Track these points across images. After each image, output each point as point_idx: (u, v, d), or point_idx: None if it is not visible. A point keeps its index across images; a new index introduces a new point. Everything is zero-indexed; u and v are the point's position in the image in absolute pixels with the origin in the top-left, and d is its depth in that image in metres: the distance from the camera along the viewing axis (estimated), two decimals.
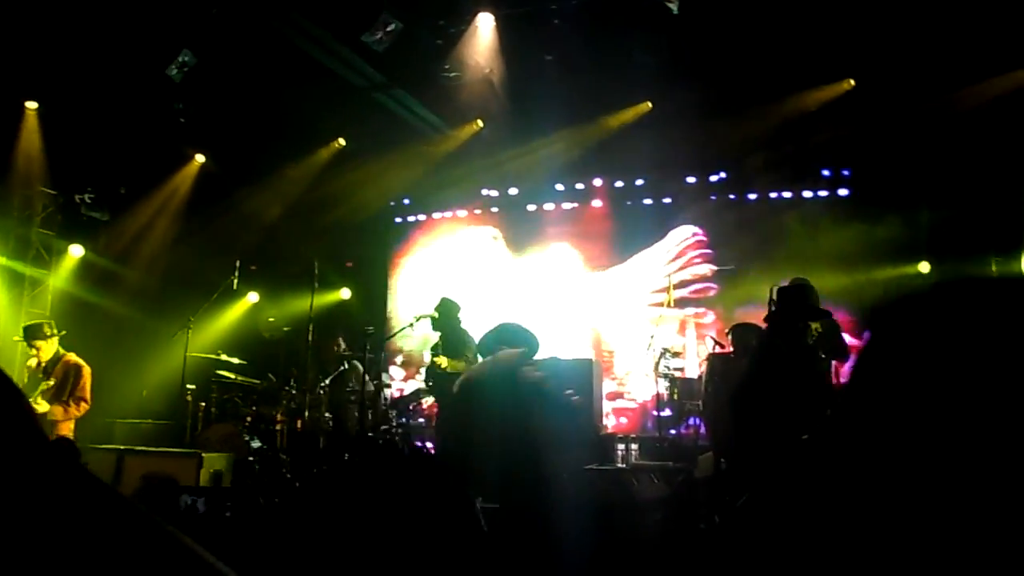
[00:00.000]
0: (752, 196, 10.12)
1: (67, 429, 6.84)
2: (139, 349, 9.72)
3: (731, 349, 7.77)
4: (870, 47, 8.38)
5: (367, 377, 9.33)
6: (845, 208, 9.49)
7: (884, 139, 9.02)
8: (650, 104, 10.05)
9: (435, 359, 8.09)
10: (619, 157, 10.30)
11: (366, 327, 9.20)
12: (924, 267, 8.89)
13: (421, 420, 9.77)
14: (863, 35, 8.27)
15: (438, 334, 8.23)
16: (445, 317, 8.26)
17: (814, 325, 6.60)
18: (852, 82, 9.34)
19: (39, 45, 7.99)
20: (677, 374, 8.09)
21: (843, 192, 9.78)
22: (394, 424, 8.81)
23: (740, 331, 7.89)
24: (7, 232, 9.27)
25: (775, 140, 9.48)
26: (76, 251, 9.68)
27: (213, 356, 9.40)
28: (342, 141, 10.93)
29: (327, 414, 8.93)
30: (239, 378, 9.50)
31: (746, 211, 10.02)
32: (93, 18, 7.88)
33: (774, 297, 7.55)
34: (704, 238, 10.21)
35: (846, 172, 9.78)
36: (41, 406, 6.56)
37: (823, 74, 9.31)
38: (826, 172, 9.86)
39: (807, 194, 9.90)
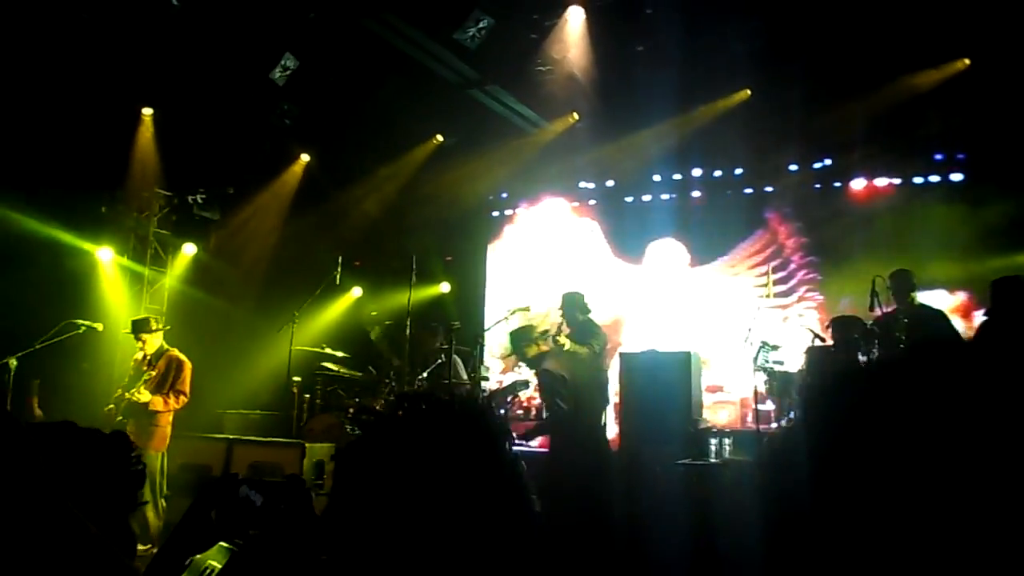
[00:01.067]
0: (858, 184, 9.73)
1: (166, 420, 7.19)
2: (247, 343, 10.12)
3: (831, 342, 7.52)
4: (986, 23, 7.92)
5: (462, 369, 9.46)
6: (957, 194, 9.01)
7: (1000, 121, 8.50)
8: (749, 91, 9.80)
9: (558, 339, 8.01)
10: (718, 146, 10.07)
11: (452, 322, 9.31)
12: None
13: (519, 412, 9.83)
14: (979, 11, 7.83)
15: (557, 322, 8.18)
16: (570, 307, 8.30)
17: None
18: (967, 61, 8.86)
19: (153, 54, 8.43)
20: (776, 368, 7.86)
21: (956, 177, 9.28)
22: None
23: (841, 324, 7.63)
24: (127, 232, 9.81)
25: (883, 125, 9.07)
26: (189, 249, 10.18)
27: (317, 349, 9.72)
28: (440, 137, 11.09)
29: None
30: (342, 370, 9.79)
31: (851, 199, 9.65)
32: (202, 28, 8.26)
33: (877, 289, 7.30)
34: (805, 228, 9.87)
35: (961, 156, 9.28)
36: (143, 395, 6.92)
37: (935, 54, 8.86)
38: (939, 156, 9.37)
39: (917, 180, 9.44)
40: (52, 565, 1.90)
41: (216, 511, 2.51)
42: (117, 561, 1.99)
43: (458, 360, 9.57)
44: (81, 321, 7.42)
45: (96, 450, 2.11)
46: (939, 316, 7.58)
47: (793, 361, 8.01)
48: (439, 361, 9.63)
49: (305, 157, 10.99)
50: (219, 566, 2.93)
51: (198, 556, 2.96)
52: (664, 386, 8.97)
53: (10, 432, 2.20)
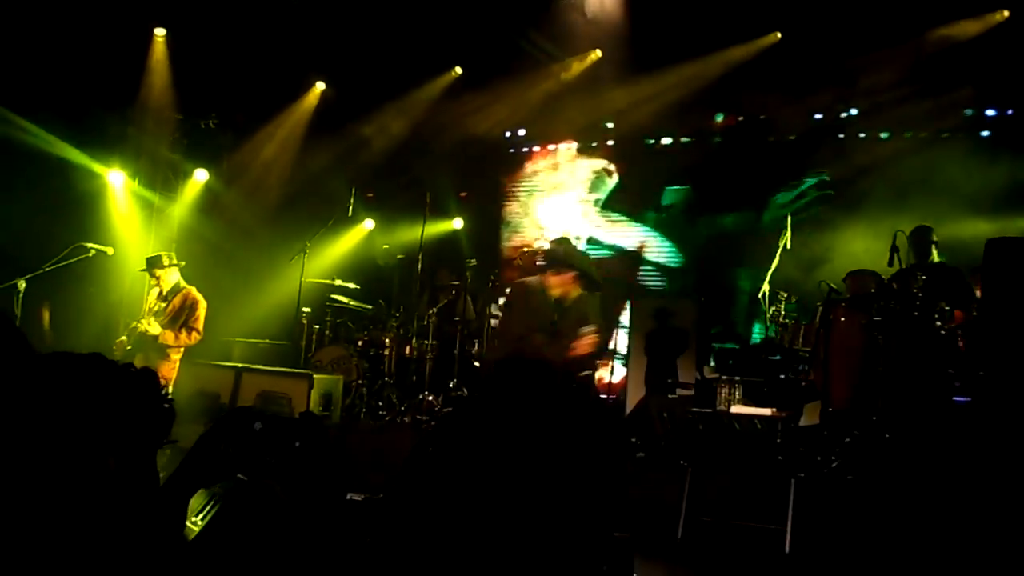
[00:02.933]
0: (884, 135, 9.52)
1: (176, 355, 7.17)
2: (258, 272, 10.09)
3: (848, 295, 7.43)
4: None
5: (471, 305, 9.42)
6: (987, 150, 8.80)
7: None
8: (779, 35, 9.54)
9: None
10: (743, 92, 9.83)
11: (469, 259, 9.25)
12: None
13: None
14: None
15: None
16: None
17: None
18: (1006, 13, 8.58)
19: None
20: (790, 320, 7.79)
21: (985, 133, 9.06)
22: None
23: (857, 277, 7.54)
24: (138, 155, 9.69)
25: (914, 75, 8.82)
26: (201, 175, 10.06)
27: (328, 281, 9.68)
28: (459, 70, 10.86)
29: (433, 341, 9.06)
30: (352, 303, 9.77)
31: (877, 151, 9.42)
32: None
33: (897, 244, 7.18)
34: (828, 179, 9.69)
35: (991, 112, 9.05)
36: (153, 327, 6.90)
37: (973, 3, 8.58)
38: (968, 111, 9.13)
39: (945, 135, 9.22)
40: (64, 495, 1.87)
41: (227, 444, 2.47)
42: (131, 497, 1.95)
43: (468, 297, 9.54)
44: (91, 244, 7.35)
45: (125, 384, 2.06)
46: (955, 274, 7.49)
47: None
48: (449, 298, 9.60)
49: (320, 85, 10.77)
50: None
51: (205, 489, 2.95)
52: (672, 333, 8.97)
53: (24, 360, 2.16)
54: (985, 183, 8.31)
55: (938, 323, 7.09)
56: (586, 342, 5.95)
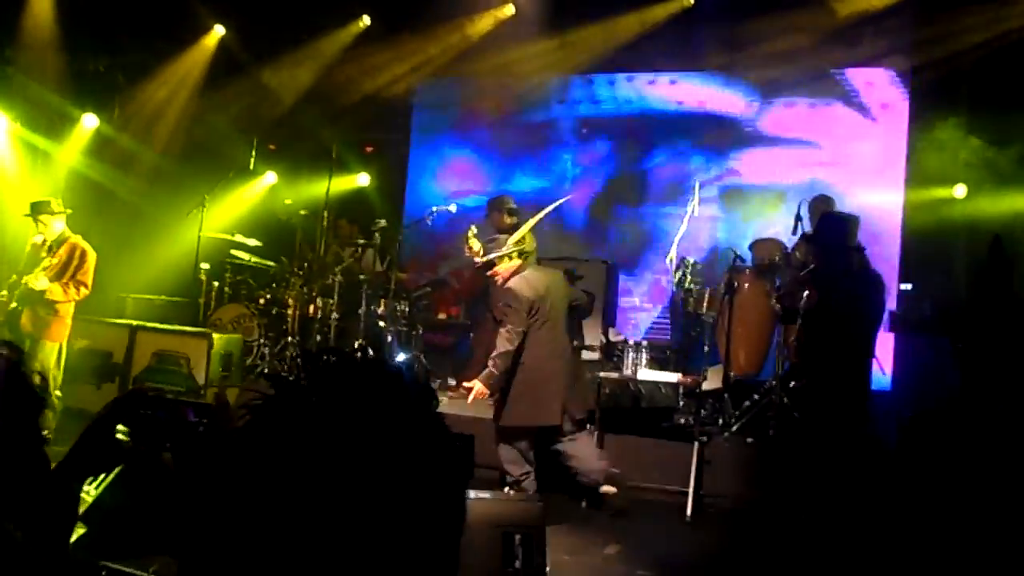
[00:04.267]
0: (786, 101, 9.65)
1: (66, 311, 6.76)
2: (153, 225, 9.65)
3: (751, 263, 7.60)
4: None
5: (377, 263, 9.25)
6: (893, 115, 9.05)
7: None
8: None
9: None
10: (656, 49, 9.77)
11: (377, 219, 9.04)
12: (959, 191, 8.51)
13: (441, 316, 9.67)
14: None
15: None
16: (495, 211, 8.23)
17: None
18: None
19: None
20: (695, 286, 7.91)
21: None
22: (399, 312, 8.72)
23: (761, 245, 7.72)
24: (20, 97, 9.04)
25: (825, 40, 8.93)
26: (90, 121, 9.47)
27: (228, 236, 9.31)
28: (367, 19, 10.49)
29: (332, 300, 8.84)
30: (253, 259, 9.45)
31: (785, 117, 9.57)
32: None
33: (802, 213, 7.35)
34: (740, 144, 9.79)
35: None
36: (39, 283, 6.47)
37: None
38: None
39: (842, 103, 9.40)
40: None
41: (129, 427, 2.30)
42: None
43: (376, 255, 9.36)
44: None
45: None
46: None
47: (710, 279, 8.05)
48: (356, 255, 9.40)
49: (220, 29, 10.22)
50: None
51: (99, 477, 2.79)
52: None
53: None
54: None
55: None
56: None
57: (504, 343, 5.59)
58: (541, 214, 6.37)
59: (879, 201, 8.70)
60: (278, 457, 0.98)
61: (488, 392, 5.74)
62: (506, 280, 5.79)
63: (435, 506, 1.02)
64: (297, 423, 0.99)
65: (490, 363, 5.63)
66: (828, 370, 6.48)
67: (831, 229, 6.81)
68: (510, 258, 5.85)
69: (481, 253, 7.86)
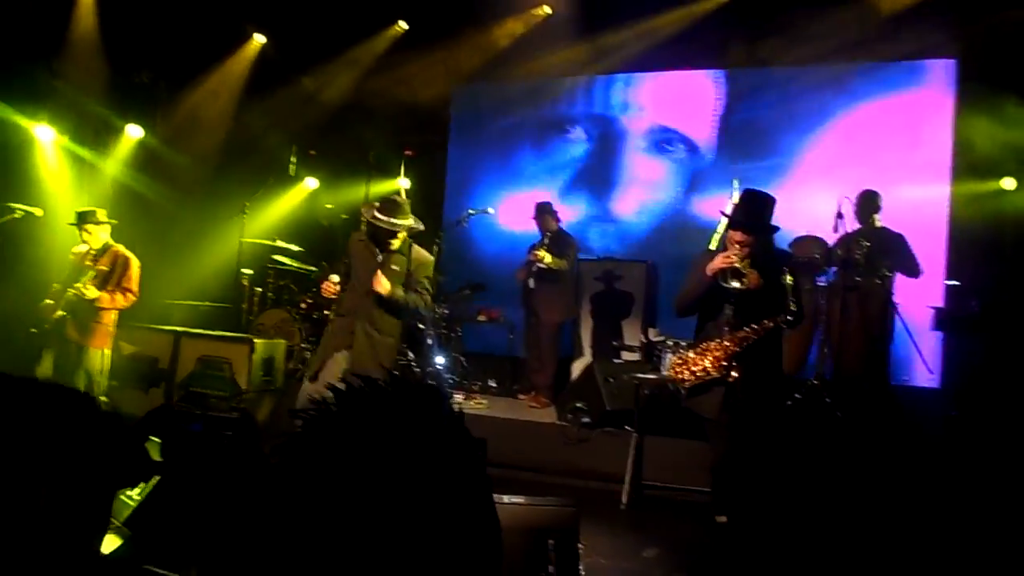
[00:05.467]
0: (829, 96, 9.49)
1: (110, 318, 6.91)
2: (196, 233, 9.80)
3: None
4: None
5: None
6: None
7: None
8: None
9: (537, 252, 8.10)
10: (696, 48, 9.68)
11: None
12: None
13: (481, 319, 9.69)
14: None
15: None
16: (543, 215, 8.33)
17: None
18: None
19: None
20: (735, 284, 7.80)
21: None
22: (439, 314, 8.78)
23: (802, 243, 7.62)
24: (66, 109, 9.25)
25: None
26: (134, 131, 9.66)
27: (269, 242, 9.44)
28: (403, 24, 10.55)
29: None
30: (295, 264, 9.56)
31: (828, 112, 9.41)
32: None
33: (842, 210, 7.22)
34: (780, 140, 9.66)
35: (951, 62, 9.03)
36: (90, 291, 6.61)
37: None
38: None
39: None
40: None
41: (161, 440, 2.35)
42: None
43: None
44: (18, 205, 7.01)
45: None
46: (898, 238, 7.58)
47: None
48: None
49: (259, 38, 10.37)
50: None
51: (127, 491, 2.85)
52: (618, 295, 8.99)
53: None
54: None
55: (880, 288, 7.22)
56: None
57: None
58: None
59: (925, 195, 8.51)
60: (306, 484, 0.99)
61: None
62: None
63: (470, 531, 1.02)
64: (326, 453, 1.00)
65: None
66: None
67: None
68: None
69: (547, 260, 8.00)
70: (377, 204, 5.79)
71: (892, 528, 5.23)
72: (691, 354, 5.01)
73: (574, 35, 9.92)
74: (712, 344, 4.93)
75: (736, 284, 4.83)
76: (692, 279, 4.99)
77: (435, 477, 0.99)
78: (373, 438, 1.00)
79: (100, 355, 6.82)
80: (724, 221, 5.26)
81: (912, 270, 7.28)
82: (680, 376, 4.98)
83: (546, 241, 8.28)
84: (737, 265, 4.78)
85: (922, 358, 6.69)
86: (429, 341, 8.57)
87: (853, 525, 5.38)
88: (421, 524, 0.96)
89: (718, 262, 4.80)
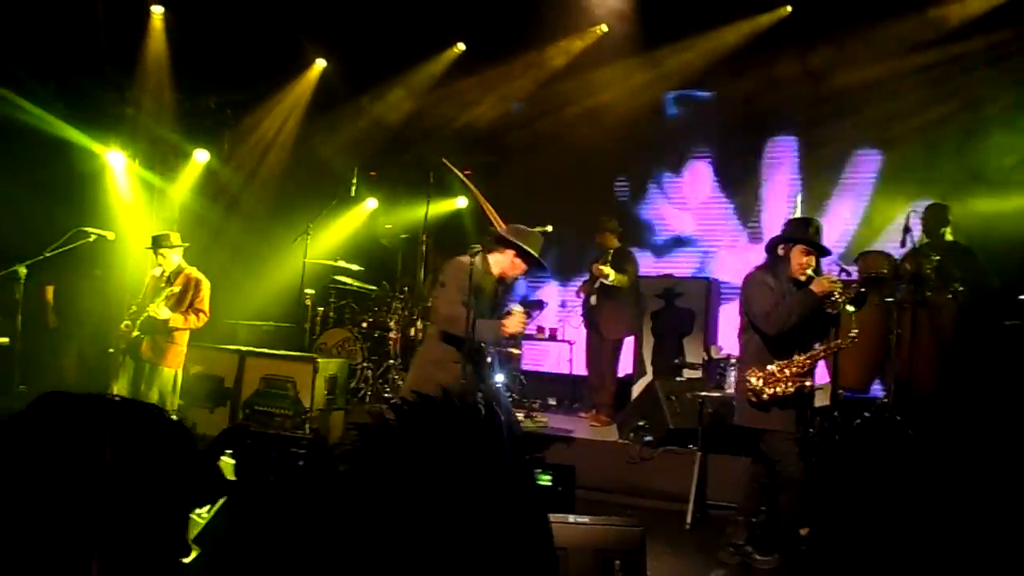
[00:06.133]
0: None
1: (183, 339, 7.08)
2: (260, 254, 9.99)
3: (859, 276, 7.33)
4: None
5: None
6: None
7: None
8: (790, 8, 9.33)
9: (601, 268, 8.09)
10: (747, 64, 9.58)
11: (472, 244, 9.09)
12: None
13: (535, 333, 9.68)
14: None
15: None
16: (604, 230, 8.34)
17: None
18: None
19: None
20: None
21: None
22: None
23: (869, 258, 7.45)
24: (137, 135, 9.55)
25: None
26: (201, 156, 9.92)
27: (331, 262, 9.56)
28: (461, 46, 10.66)
29: None
30: (356, 284, 9.68)
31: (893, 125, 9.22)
32: None
33: (910, 224, 7.06)
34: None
35: None
36: (162, 312, 6.79)
37: None
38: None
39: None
40: None
41: (236, 460, 2.39)
42: None
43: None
44: (92, 229, 7.24)
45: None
46: (968, 253, 7.39)
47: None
48: None
49: (321, 62, 10.59)
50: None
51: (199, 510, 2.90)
52: (678, 312, 8.89)
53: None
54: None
55: (952, 303, 7.02)
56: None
57: None
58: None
59: (1004, 207, 8.24)
60: (367, 501, 1.00)
61: None
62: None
63: (523, 551, 1.02)
64: (386, 470, 1.01)
65: None
66: None
67: None
68: None
69: (611, 277, 7.98)
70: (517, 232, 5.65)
71: (963, 546, 5.06)
72: (773, 369, 5.02)
73: (630, 54, 9.91)
74: (795, 360, 4.97)
75: (833, 308, 5.01)
76: (799, 300, 4.99)
77: (487, 496, 0.99)
78: (429, 455, 1.01)
79: (172, 375, 6.99)
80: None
81: (983, 286, 7.08)
82: (761, 389, 4.99)
83: (608, 257, 8.25)
84: (840, 289, 4.93)
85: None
86: (488, 359, 8.60)
87: (924, 542, 5.22)
88: (472, 542, 0.96)
89: (826, 285, 4.93)
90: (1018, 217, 7.73)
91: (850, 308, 4.94)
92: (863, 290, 5.10)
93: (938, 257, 7.00)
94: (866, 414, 6.86)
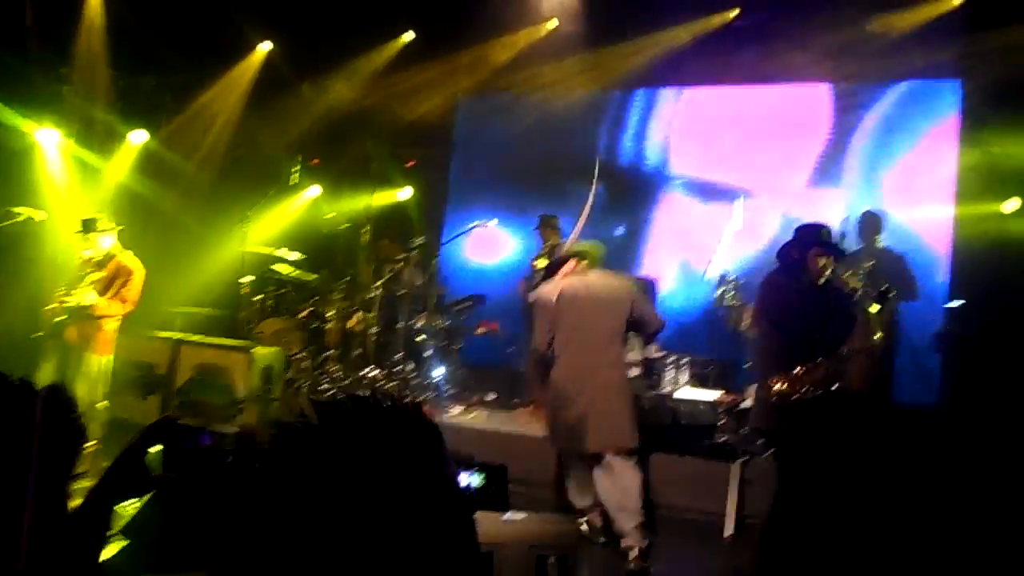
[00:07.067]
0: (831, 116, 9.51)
1: (112, 325, 6.88)
2: (198, 240, 9.78)
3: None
4: None
5: (418, 277, 9.24)
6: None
7: None
8: (737, 11, 9.46)
9: (537, 263, 8.11)
10: (699, 63, 9.69)
11: (414, 237, 9.07)
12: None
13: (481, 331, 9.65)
14: None
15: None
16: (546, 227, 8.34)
17: None
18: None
19: None
20: (736, 302, 7.79)
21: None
22: (439, 326, 8.77)
23: None
24: (72, 115, 9.26)
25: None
26: (138, 137, 9.65)
27: (271, 250, 9.40)
28: (411, 34, 10.57)
29: (377, 314, 8.88)
30: (295, 273, 9.53)
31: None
32: None
33: (845, 230, 7.23)
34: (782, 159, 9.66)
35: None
36: (85, 298, 6.57)
37: None
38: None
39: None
40: None
41: (164, 453, 2.33)
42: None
43: (416, 270, 9.37)
44: (20, 209, 7.00)
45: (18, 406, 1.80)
46: (900, 259, 7.60)
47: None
48: (395, 268, 9.41)
49: (266, 46, 10.38)
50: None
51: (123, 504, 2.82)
52: None
53: None
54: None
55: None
56: None
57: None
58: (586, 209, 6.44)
59: (928, 217, 8.52)
60: (289, 496, 0.99)
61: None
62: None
63: (442, 546, 1.02)
64: (306, 466, 1.01)
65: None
66: None
67: None
68: (567, 260, 5.76)
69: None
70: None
71: (885, 545, 5.20)
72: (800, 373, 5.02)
73: (578, 49, 9.93)
74: (819, 364, 4.97)
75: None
76: None
77: (406, 492, 1.00)
78: (350, 452, 1.00)
79: (101, 361, 6.79)
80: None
81: (912, 292, 7.29)
82: (784, 391, 4.99)
83: (547, 252, 8.26)
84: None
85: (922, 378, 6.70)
86: (428, 353, 8.57)
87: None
88: (389, 538, 0.97)
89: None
90: None
91: (873, 309, 4.94)
92: (888, 290, 5.08)
93: (869, 264, 7.17)
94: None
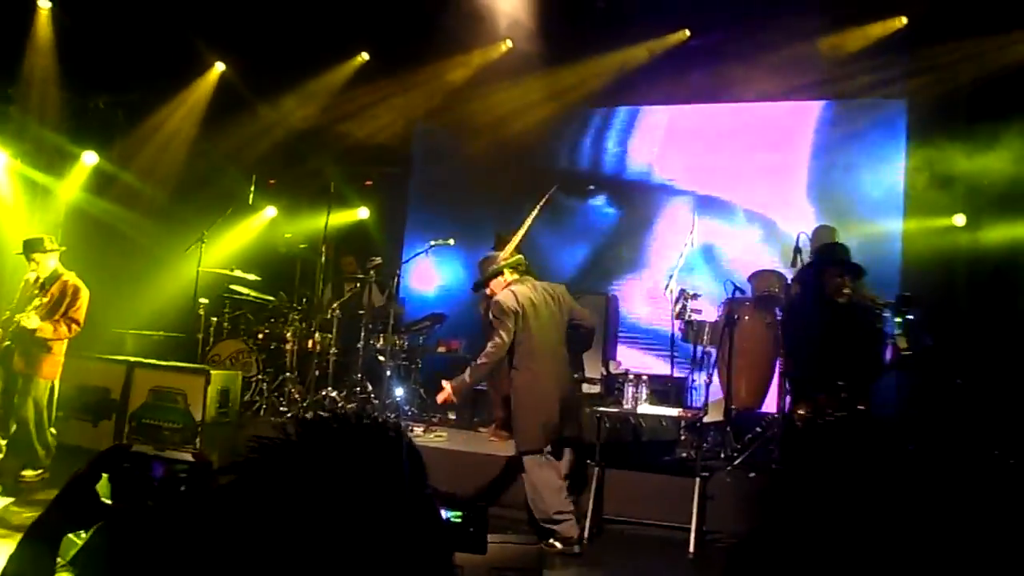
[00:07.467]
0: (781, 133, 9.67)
1: (59, 348, 6.73)
2: (152, 261, 9.63)
3: (750, 295, 7.56)
4: None
5: (378, 297, 9.19)
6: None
7: None
8: (688, 32, 9.60)
9: None
10: (653, 84, 9.82)
11: (372, 257, 9.02)
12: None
13: (441, 350, 9.61)
14: None
15: None
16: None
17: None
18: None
19: None
20: (696, 317, 7.86)
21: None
22: (399, 346, 8.72)
23: (761, 277, 7.68)
24: (21, 135, 9.08)
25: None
26: (90, 158, 9.49)
27: (226, 271, 9.28)
28: (365, 55, 10.55)
29: (331, 335, 8.79)
30: (252, 294, 9.42)
31: (780, 149, 9.59)
32: None
33: (800, 244, 7.34)
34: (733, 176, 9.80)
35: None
36: (31, 321, 6.42)
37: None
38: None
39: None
40: None
41: (113, 482, 2.27)
42: None
43: (376, 288, 9.31)
44: None
45: None
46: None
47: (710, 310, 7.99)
48: (354, 288, 9.35)
49: (220, 66, 10.29)
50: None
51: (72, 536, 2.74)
52: (578, 328, 8.95)
53: None
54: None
55: None
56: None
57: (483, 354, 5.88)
58: (528, 221, 6.60)
59: (878, 231, 8.68)
60: (259, 520, 0.98)
61: (454, 398, 6.10)
62: (494, 294, 5.92)
63: (420, 567, 1.02)
64: (281, 488, 1.00)
65: (467, 371, 5.94)
66: None
67: None
68: (501, 274, 6.04)
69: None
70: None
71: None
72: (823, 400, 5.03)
73: (534, 69, 9.98)
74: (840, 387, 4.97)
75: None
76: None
77: (383, 510, 0.99)
78: (326, 470, 1.00)
79: (47, 386, 6.63)
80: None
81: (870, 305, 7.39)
82: (807, 416, 4.99)
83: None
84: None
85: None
86: (388, 373, 8.50)
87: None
88: (370, 558, 0.96)
89: None
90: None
91: (898, 319, 4.95)
92: (907, 298, 5.12)
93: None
94: (758, 429, 7.08)
